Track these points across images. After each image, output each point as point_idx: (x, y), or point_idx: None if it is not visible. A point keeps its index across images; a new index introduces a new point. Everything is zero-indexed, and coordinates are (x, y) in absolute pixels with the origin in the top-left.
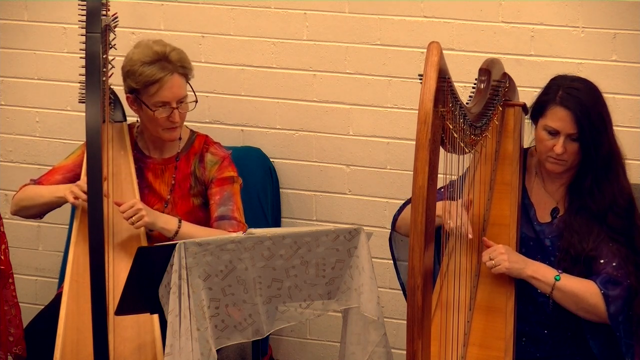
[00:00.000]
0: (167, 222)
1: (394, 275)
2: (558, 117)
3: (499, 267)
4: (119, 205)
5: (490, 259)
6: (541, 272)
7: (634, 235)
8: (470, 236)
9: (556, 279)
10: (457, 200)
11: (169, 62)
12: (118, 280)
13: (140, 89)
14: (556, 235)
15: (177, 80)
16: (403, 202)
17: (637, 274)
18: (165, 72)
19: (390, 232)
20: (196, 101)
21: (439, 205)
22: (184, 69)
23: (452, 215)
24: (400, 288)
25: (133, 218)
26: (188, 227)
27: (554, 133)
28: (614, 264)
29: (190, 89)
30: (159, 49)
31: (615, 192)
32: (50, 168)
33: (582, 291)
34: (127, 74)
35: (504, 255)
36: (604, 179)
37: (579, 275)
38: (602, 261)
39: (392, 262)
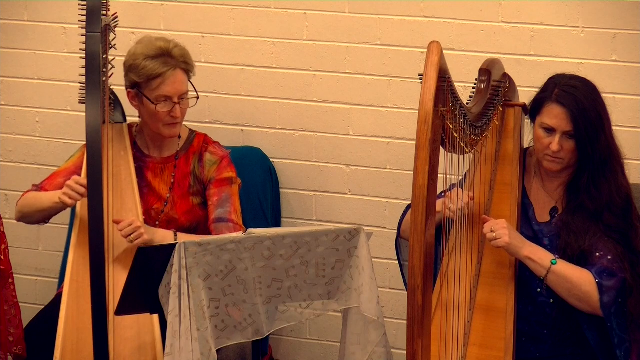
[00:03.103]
0: (164, 237)
1: (393, 275)
2: (554, 115)
3: (499, 241)
4: (117, 223)
5: (492, 231)
6: (538, 255)
7: (630, 234)
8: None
9: (552, 263)
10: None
11: (172, 58)
12: (118, 280)
13: (142, 82)
14: (555, 235)
15: (179, 76)
16: (403, 202)
17: (632, 272)
18: (168, 66)
19: (396, 239)
20: (197, 97)
21: (439, 202)
22: (186, 65)
23: (453, 198)
24: (405, 290)
25: (132, 236)
26: (185, 239)
27: (550, 130)
28: (609, 257)
29: (192, 87)
30: (162, 45)
31: (613, 190)
32: (50, 168)
33: (576, 277)
34: (130, 68)
35: (505, 230)
36: (601, 177)
37: None
38: (597, 254)
39: (391, 262)
